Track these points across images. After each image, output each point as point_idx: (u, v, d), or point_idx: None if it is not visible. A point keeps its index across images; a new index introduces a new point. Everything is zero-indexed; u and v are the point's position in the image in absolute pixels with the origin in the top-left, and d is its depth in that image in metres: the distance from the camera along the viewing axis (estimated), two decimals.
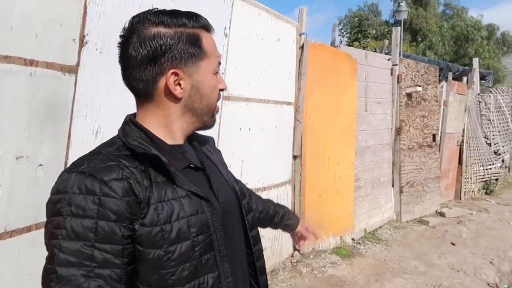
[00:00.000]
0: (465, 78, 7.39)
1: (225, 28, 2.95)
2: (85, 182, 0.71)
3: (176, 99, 0.84)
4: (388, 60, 5.15)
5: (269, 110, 3.54)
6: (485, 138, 8.22)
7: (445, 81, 6.67)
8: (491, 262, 4.35)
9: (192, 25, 0.83)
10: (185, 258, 0.76)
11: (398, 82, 5.24)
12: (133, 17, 0.82)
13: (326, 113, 4.13)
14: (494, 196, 7.80)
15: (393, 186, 5.37)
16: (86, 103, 1.96)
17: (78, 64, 1.91)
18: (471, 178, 7.39)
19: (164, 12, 0.83)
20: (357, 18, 16.26)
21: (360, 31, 11.06)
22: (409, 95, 5.42)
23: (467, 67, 9.24)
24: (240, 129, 3.23)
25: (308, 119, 3.94)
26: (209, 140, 1.04)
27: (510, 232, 5.44)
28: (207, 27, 0.87)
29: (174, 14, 0.82)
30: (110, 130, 1.37)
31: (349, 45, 8.79)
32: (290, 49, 3.81)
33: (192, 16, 0.84)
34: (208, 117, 0.91)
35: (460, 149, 7.09)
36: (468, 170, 7.27)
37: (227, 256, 0.85)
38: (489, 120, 8.51)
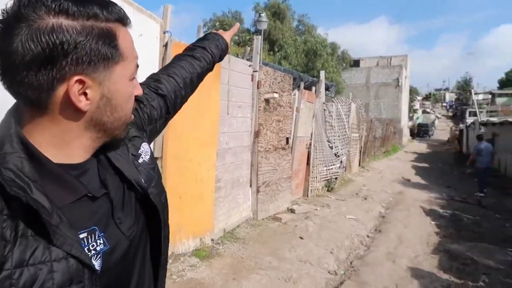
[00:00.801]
0: (314, 88, 8.25)
1: None
2: None
3: (78, 112, 0.64)
4: (250, 66, 5.40)
5: None
6: (328, 141, 9.32)
7: (297, 89, 7.32)
8: (331, 252, 4.93)
9: (106, 17, 0.64)
10: None
11: (257, 87, 5.53)
12: (22, 2, 0.59)
13: (189, 114, 4.09)
14: (334, 192, 8.90)
15: (251, 186, 5.64)
16: None
17: None
18: (316, 177, 8.28)
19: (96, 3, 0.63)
20: (218, 23, 16.67)
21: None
22: (267, 101, 5.77)
23: (315, 78, 10.33)
24: None
25: (170, 120, 3.84)
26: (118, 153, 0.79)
27: (346, 224, 6.26)
28: (124, 20, 0.68)
29: (81, 1, 0.61)
30: None
31: None
32: (153, 46, 3.66)
33: (106, 5, 0.64)
34: (120, 130, 0.73)
35: (308, 152, 7.89)
36: (314, 170, 8.13)
37: None
38: (332, 126, 9.68)
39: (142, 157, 0.82)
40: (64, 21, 0.59)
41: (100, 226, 0.68)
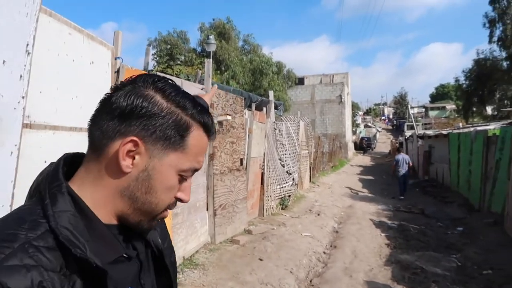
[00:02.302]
0: (264, 109, 8.41)
1: (27, 45, 2.53)
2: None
3: (119, 172, 0.67)
4: (202, 89, 5.41)
5: (82, 139, 3.20)
6: (280, 160, 9.49)
7: (249, 109, 7.43)
8: (291, 272, 4.98)
9: (193, 114, 0.70)
10: None
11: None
12: (141, 75, 0.71)
13: None
14: (288, 210, 9.03)
15: (207, 209, 5.58)
16: None
17: None
18: (271, 196, 8.37)
19: (173, 85, 0.71)
20: (169, 46, 16.60)
21: (172, 58, 11.33)
22: (220, 123, 5.80)
23: (264, 98, 10.55)
24: (45, 161, 2.79)
25: None
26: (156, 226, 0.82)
27: (303, 242, 6.36)
28: (207, 128, 0.72)
29: (181, 92, 0.71)
30: None
31: (162, 71, 8.85)
32: (105, 73, 3.56)
33: (200, 107, 0.72)
34: (146, 219, 0.71)
35: (262, 171, 7.97)
36: (268, 189, 8.22)
37: None
38: (282, 144, 9.88)
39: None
40: (158, 97, 0.68)
41: (133, 287, 0.71)
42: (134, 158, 0.67)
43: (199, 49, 25.10)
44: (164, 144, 0.68)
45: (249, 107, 7.53)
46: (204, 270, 4.68)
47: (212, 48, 9.47)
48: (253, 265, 5.01)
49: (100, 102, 0.70)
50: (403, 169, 12.87)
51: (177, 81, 4.78)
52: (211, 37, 10.13)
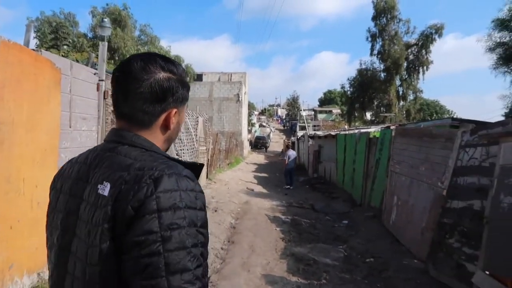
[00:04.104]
0: None
1: None
2: (186, 182, 0.92)
3: (167, 129, 1.06)
4: (95, 74, 4.90)
5: None
6: (177, 155, 9.19)
7: None
8: None
9: (177, 72, 1.05)
10: None
11: (104, 98, 5.06)
12: (142, 58, 1.02)
13: (22, 127, 3.44)
14: None
15: None
16: None
17: None
18: None
19: (167, 60, 1.05)
20: (55, 23, 14.86)
21: (58, 38, 10.13)
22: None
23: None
24: None
25: None
26: None
27: None
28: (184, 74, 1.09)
29: (174, 64, 1.06)
30: None
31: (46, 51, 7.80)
32: None
33: (181, 68, 1.08)
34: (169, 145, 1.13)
35: None
36: None
37: None
38: (180, 139, 9.59)
39: None
40: (170, 75, 1.03)
41: None
42: (173, 120, 1.06)
43: (90, 34, 23.12)
44: (183, 103, 1.09)
45: None
46: None
47: (107, 32, 8.70)
48: None
49: (125, 94, 1.00)
50: (291, 164, 15.06)
51: (66, 62, 4.22)
52: (106, 19, 9.31)
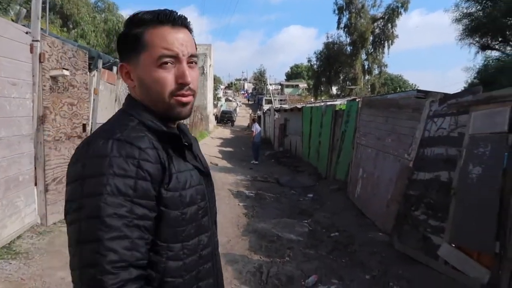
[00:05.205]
0: (115, 68, 7.37)
1: None
2: (125, 147, 0.85)
3: (133, 89, 1.01)
4: (27, 33, 4.25)
5: None
6: None
7: (96, 70, 6.36)
8: None
9: (125, 30, 0.99)
10: (193, 219, 0.96)
11: (40, 61, 4.43)
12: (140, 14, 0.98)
13: None
14: None
15: (36, 185, 4.53)
16: None
17: None
18: None
19: (143, 12, 0.98)
20: None
21: None
22: (54, 79, 4.71)
23: (118, 59, 9.36)
24: None
25: None
26: (185, 126, 1.18)
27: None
28: (166, 21, 0.96)
29: (125, 22, 1.02)
30: None
31: None
32: None
33: (126, 22, 1.01)
34: (165, 110, 0.98)
35: None
36: None
37: (213, 219, 1.09)
38: None
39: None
40: (124, 31, 1.01)
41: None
42: (130, 77, 1.00)
43: None
44: (133, 54, 0.97)
45: (97, 68, 6.44)
46: (27, 259, 3.73)
47: None
48: None
49: None
50: (258, 137, 14.71)
51: None
52: None
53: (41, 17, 4.78)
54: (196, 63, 1.01)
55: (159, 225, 0.89)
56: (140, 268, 0.83)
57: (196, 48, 1.04)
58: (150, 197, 0.86)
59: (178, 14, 0.98)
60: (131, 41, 0.95)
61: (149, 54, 0.94)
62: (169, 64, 0.94)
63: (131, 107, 0.99)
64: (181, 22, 0.98)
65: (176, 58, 0.95)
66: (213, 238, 1.06)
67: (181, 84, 0.96)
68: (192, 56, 0.99)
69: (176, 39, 0.95)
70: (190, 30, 1.02)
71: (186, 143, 1.03)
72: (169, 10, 0.96)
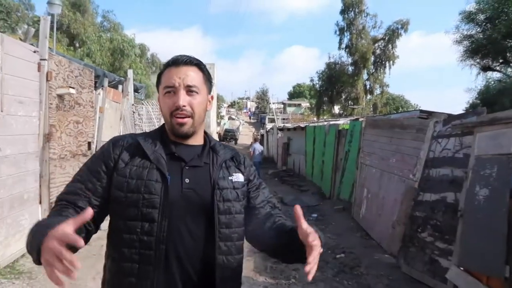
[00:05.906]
0: (120, 87, 7.43)
1: None
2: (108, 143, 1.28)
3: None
4: (35, 52, 4.31)
5: None
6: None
7: (102, 88, 6.42)
8: None
9: (168, 64, 1.29)
10: (133, 204, 1.17)
11: (47, 80, 4.48)
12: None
13: None
14: None
15: (40, 203, 4.52)
16: None
17: None
18: None
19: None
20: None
21: (5, 20, 9.25)
22: (61, 97, 4.75)
23: (122, 78, 9.46)
24: None
25: None
26: (221, 146, 1.44)
27: None
28: (172, 64, 1.27)
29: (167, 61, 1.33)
30: None
31: None
32: None
33: (169, 59, 1.29)
34: (170, 127, 1.27)
35: None
36: None
37: (170, 218, 1.17)
38: (142, 129, 9.01)
39: (232, 176, 1.34)
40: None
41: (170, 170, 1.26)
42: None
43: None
44: (158, 87, 1.31)
45: (102, 87, 6.51)
46: (30, 279, 3.70)
47: (56, 10, 7.95)
48: (99, 268, 4.18)
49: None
50: (258, 156, 14.14)
51: None
52: None
53: (49, 36, 4.85)
54: (197, 92, 1.25)
55: (112, 200, 1.19)
56: (71, 203, 1.19)
57: (210, 82, 1.37)
58: (97, 171, 1.22)
59: (184, 57, 1.26)
60: (157, 80, 1.30)
61: (161, 87, 1.26)
62: (171, 92, 1.23)
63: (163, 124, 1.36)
64: (184, 62, 1.25)
65: (174, 88, 1.22)
66: (160, 231, 1.16)
67: (176, 106, 1.21)
68: (189, 86, 1.23)
69: (175, 74, 1.23)
70: (199, 67, 1.29)
71: (175, 153, 1.25)
72: (178, 55, 1.27)
